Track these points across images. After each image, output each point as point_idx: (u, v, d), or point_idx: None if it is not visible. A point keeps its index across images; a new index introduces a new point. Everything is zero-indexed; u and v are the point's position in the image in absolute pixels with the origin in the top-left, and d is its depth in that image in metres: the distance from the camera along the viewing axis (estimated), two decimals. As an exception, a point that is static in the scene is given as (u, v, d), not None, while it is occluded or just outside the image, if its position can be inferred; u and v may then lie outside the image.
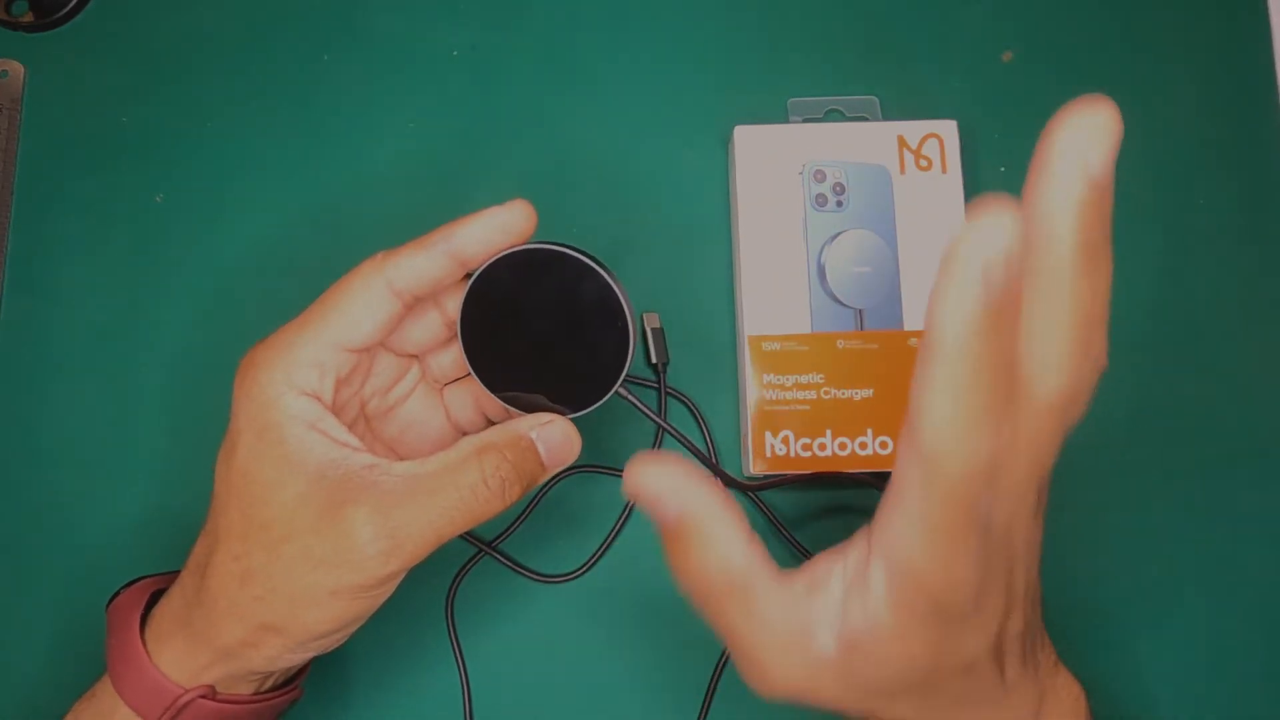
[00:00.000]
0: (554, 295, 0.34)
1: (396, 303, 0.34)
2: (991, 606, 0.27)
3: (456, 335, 0.36)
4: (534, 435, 0.34)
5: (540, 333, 0.35)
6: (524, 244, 0.34)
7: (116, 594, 0.36)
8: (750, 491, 0.44)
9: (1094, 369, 0.24)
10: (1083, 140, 0.22)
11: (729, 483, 0.43)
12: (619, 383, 0.35)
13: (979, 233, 0.20)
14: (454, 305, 0.36)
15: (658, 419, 0.37)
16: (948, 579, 0.25)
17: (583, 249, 0.34)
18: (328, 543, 0.31)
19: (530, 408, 0.36)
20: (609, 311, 0.34)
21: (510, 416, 0.37)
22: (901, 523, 0.25)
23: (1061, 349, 0.23)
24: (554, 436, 0.35)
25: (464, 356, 0.36)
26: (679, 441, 0.39)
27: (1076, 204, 0.22)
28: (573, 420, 0.35)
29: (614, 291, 0.34)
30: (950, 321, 0.21)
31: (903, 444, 0.25)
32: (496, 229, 0.34)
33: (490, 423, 0.39)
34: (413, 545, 0.32)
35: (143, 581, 0.37)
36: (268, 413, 0.33)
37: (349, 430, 0.34)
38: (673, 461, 0.27)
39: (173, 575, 0.37)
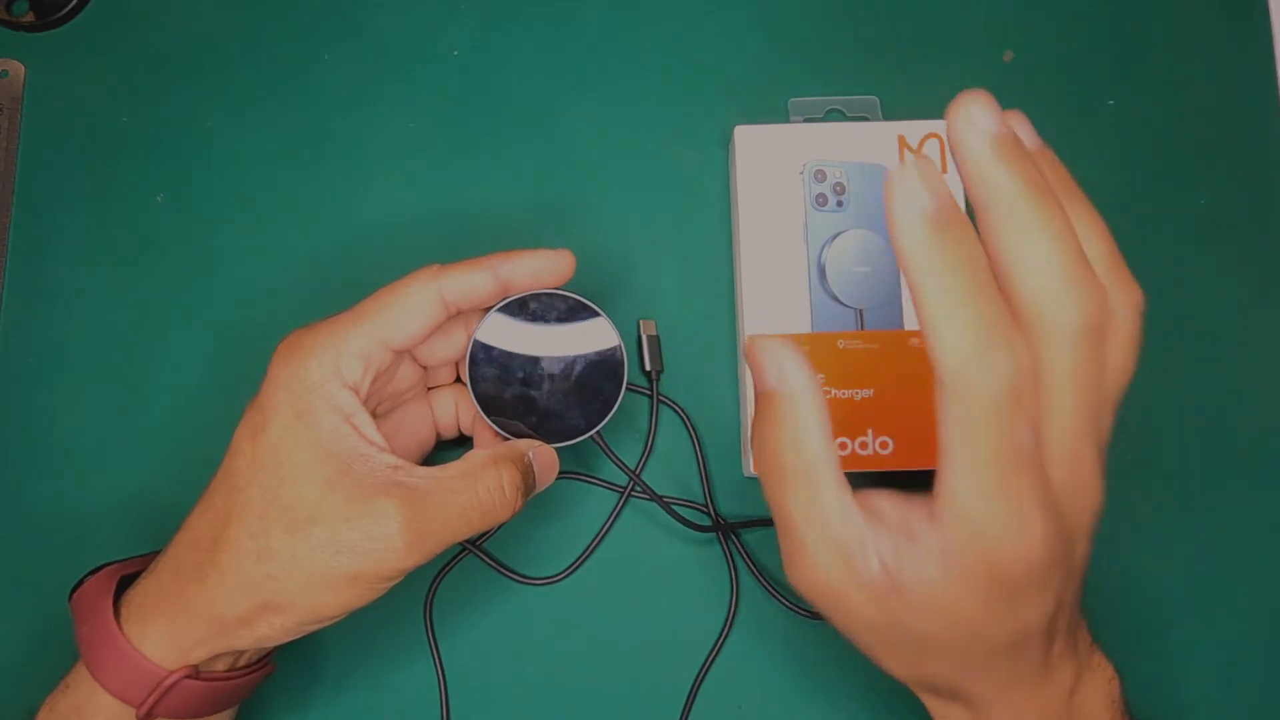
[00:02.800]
0: (565, 339, 0.39)
1: (443, 312, 0.36)
2: (1055, 580, 0.27)
3: (466, 353, 0.39)
4: (530, 455, 0.37)
5: (543, 369, 0.39)
6: (557, 288, 0.38)
7: (79, 583, 0.36)
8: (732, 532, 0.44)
9: (1112, 303, 0.27)
10: (968, 110, 0.25)
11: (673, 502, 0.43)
12: (596, 429, 0.39)
13: (908, 165, 0.24)
14: (475, 323, 0.39)
15: (625, 468, 0.41)
16: (1008, 540, 0.26)
17: (605, 312, 0.39)
18: (357, 530, 0.33)
19: (516, 433, 0.39)
20: (609, 370, 0.39)
21: (485, 431, 0.40)
22: (951, 476, 0.26)
23: (1049, 277, 0.25)
24: (544, 459, 0.38)
25: (468, 376, 0.39)
26: (649, 495, 0.42)
27: (979, 150, 0.25)
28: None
29: (619, 357, 0.39)
30: (909, 228, 0.24)
31: (936, 401, 0.25)
32: (544, 267, 0.37)
33: (460, 430, 0.42)
34: (434, 540, 0.34)
35: (107, 568, 0.36)
36: (310, 397, 0.34)
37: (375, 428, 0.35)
38: (790, 345, 0.29)
39: (139, 559, 0.37)
